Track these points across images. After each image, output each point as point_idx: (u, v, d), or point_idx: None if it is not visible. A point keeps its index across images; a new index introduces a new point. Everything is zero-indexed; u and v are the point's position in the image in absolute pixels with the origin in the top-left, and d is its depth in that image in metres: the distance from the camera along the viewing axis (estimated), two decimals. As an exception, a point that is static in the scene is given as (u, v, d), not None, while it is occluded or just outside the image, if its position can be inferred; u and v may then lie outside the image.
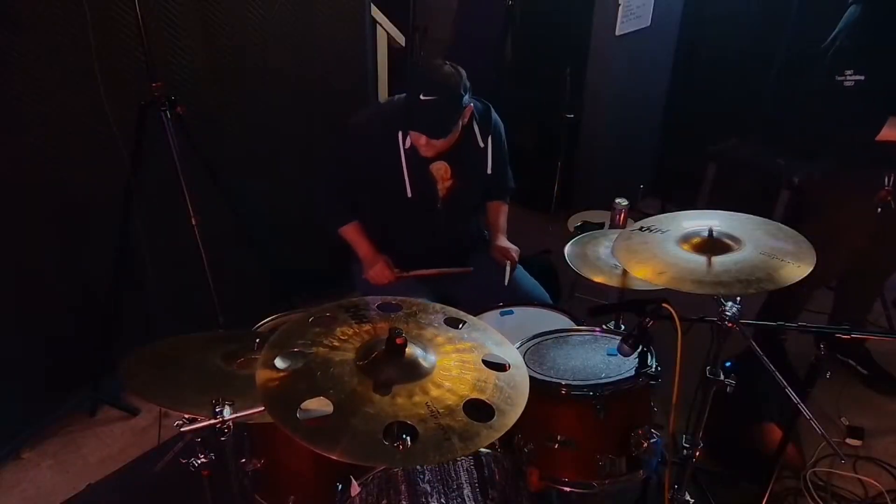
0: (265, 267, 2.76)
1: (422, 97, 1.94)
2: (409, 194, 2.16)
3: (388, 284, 2.23)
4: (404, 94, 2.08)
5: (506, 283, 2.25)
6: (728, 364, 1.68)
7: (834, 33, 2.30)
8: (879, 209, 2.30)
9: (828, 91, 2.26)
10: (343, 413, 1.15)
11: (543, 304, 2.20)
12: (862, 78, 2.18)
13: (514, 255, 2.30)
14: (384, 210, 2.28)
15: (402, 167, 2.13)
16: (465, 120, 2.10)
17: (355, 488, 1.43)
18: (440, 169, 2.18)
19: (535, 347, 1.81)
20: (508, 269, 2.27)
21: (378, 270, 2.24)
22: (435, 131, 2.02)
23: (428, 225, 2.26)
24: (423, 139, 2.03)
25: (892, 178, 2.29)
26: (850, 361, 2.80)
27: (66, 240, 2.36)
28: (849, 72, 2.19)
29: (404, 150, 2.12)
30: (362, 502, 1.42)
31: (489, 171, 2.25)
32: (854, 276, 2.70)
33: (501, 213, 2.44)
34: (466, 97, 2.02)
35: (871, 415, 2.55)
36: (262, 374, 1.22)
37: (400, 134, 2.11)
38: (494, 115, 2.26)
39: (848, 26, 2.27)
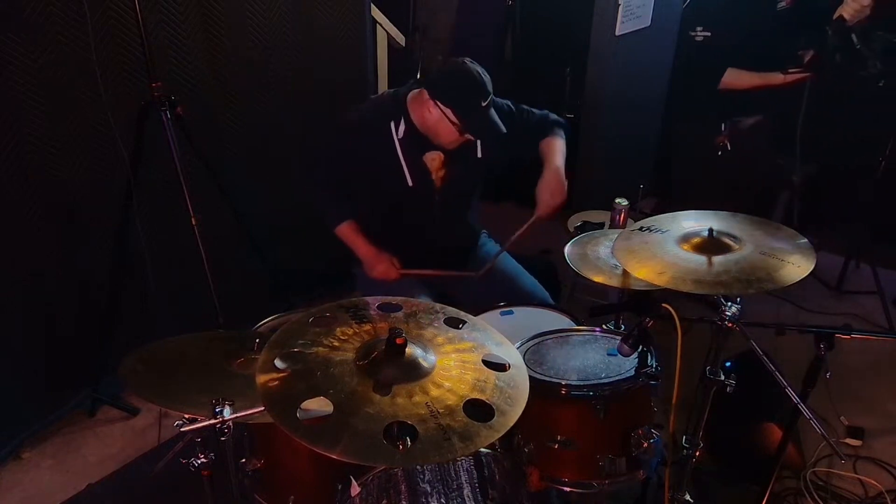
0: (265, 267, 2.76)
1: (482, 104, 2.00)
2: (410, 183, 2.16)
3: (393, 282, 2.21)
4: (393, 90, 2.16)
5: (479, 274, 2.22)
6: (728, 364, 1.68)
7: None
8: (720, 153, 2.71)
9: (684, 46, 2.70)
10: (343, 413, 1.15)
11: (543, 304, 2.20)
12: (709, 34, 2.54)
13: (560, 197, 2.13)
14: (384, 205, 2.28)
15: (398, 157, 2.14)
16: None
17: (355, 488, 1.43)
18: (434, 159, 2.19)
19: (535, 347, 1.81)
20: (527, 225, 2.14)
21: (386, 268, 2.22)
22: (501, 128, 2.06)
23: (425, 218, 2.26)
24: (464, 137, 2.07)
25: (727, 125, 2.69)
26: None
27: (66, 240, 2.36)
28: (699, 28, 2.56)
29: (398, 139, 2.13)
30: (362, 502, 1.42)
31: (479, 156, 2.24)
32: None
33: (557, 147, 2.26)
34: None
35: (871, 415, 2.55)
36: (262, 375, 1.22)
37: (392, 123, 2.12)
38: None
39: None
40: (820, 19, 2.31)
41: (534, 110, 2.34)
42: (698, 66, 2.70)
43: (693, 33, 2.58)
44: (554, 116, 2.38)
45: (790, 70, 2.53)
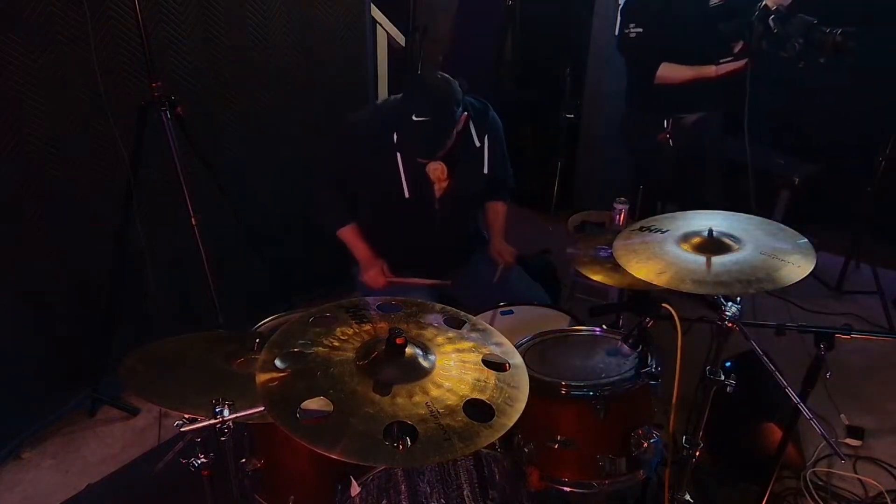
0: (265, 267, 2.76)
1: (414, 118, 1.94)
2: (407, 194, 2.16)
3: (381, 288, 2.23)
4: (400, 95, 2.09)
5: (494, 280, 2.27)
6: (728, 364, 1.68)
7: None
8: (664, 149, 2.78)
9: (620, 43, 2.74)
10: (343, 413, 1.15)
11: (543, 304, 2.20)
12: (640, 30, 2.62)
13: (509, 256, 2.30)
14: (382, 210, 2.28)
15: (398, 167, 2.12)
16: (461, 127, 2.08)
17: (355, 488, 1.43)
18: (436, 169, 2.17)
19: (535, 347, 1.81)
20: (500, 269, 2.29)
21: (375, 274, 2.25)
22: (426, 153, 2.05)
23: (426, 225, 2.26)
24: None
25: (670, 123, 2.75)
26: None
27: (65, 240, 2.36)
28: (632, 24, 2.64)
29: (399, 148, 2.11)
30: (362, 502, 1.42)
31: (486, 171, 2.24)
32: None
33: (500, 214, 2.43)
34: (459, 110, 2.01)
35: (871, 415, 2.55)
36: (262, 375, 1.22)
37: (395, 133, 2.09)
38: (492, 113, 2.25)
39: None
40: (751, 12, 2.36)
41: (508, 165, 2.40)
42: (633, 61, 2.80)
43: (627, 30, 2.64)
44: (512, 181, 2.44)
45: (721, 61, 2.60)
